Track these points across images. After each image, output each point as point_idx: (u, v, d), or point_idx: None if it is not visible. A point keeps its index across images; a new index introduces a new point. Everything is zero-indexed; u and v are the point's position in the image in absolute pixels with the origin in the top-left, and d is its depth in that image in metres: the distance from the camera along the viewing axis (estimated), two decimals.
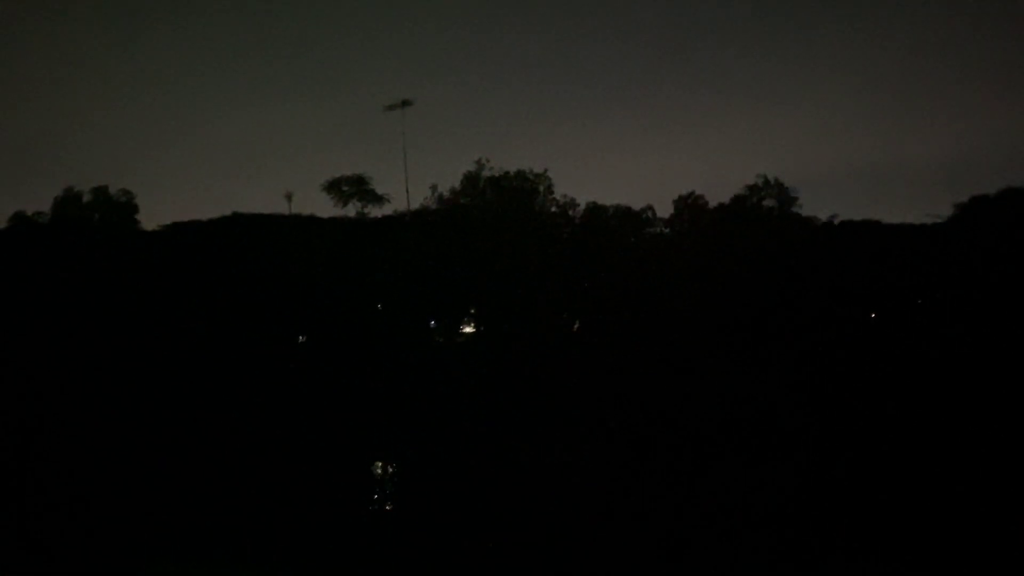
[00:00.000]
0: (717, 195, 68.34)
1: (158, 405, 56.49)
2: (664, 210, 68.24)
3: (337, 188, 70.25)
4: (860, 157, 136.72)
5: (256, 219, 67.11)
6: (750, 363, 55.40)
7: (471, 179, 69.46)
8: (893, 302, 59.17)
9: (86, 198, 69.24)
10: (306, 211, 70.28)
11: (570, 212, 68.95)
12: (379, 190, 70.80)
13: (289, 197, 72.08)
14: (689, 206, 68.03)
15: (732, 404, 52.88)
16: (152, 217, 69.95)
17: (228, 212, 67.91)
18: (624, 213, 67.83)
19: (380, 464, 61.01)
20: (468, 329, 67.57)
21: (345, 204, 70.46)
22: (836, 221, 65.86)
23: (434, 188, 69.83)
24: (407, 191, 77.34)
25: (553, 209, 69.27)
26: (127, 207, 69.60)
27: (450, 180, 69.90)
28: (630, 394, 55.25)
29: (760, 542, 32.80)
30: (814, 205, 66.88)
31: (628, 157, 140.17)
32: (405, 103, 74.24)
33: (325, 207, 70.92)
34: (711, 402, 53.05)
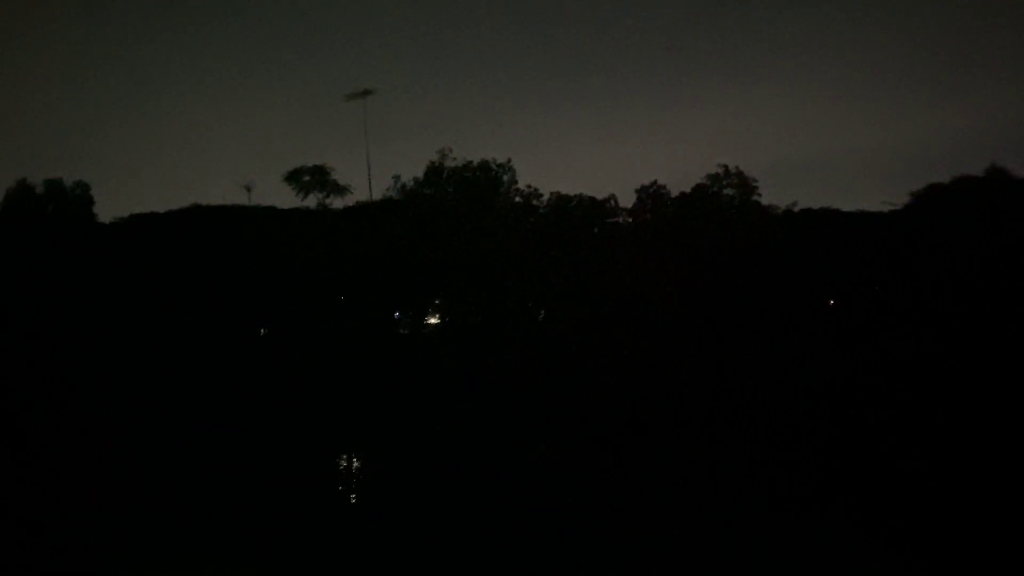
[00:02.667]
0: (678, 184, 69.01)
1: (115, 402, 55.40)
2: (627, 200, 68.77)
3: (298, 178, 69.53)
4: (818, 146, 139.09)
5: (215, 211, 66.13)
6: (712, 350, 56.05)
7: (434, 169, 69.13)
8: (851, 288, 60.26)
9: (39, 190, 67.60)
10: (266, 202, 69.59)
11: (534, 202, 69.00)
12: (341, 180, 70.32)
13: (249, 188, 71.31)
14: (651, 196, 68.53)
15: (695, 390, 53.46)
16: (108, 209, 68.64)
17: (187, 204, 67.01)
18: (588, 203, 68.08)
19: (345, 457, 60.63)
20: (433, 320, 67.40)
21: (306, 195, 69.82)
22: (796, 209, 66.92)
23: (397, 178, 69.46)
24: (369, 181, 76.82)
25: (517, 199, 69.27)
26: (82, 199, 68.09)
27: (413, 170, 69.52)
28: (595, 383, 55.56)
29: (729, 524, 33.35)
30: (774, 194, 67.75)
31: (591, 147, 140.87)
32: (366, 92, 73.80)
33: (286, 198, 70.19)
34: (675, 388, 53.57)
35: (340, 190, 70.06)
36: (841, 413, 50.51)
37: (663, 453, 46.71)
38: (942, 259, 57.27)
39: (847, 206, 66.42)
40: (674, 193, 68.14)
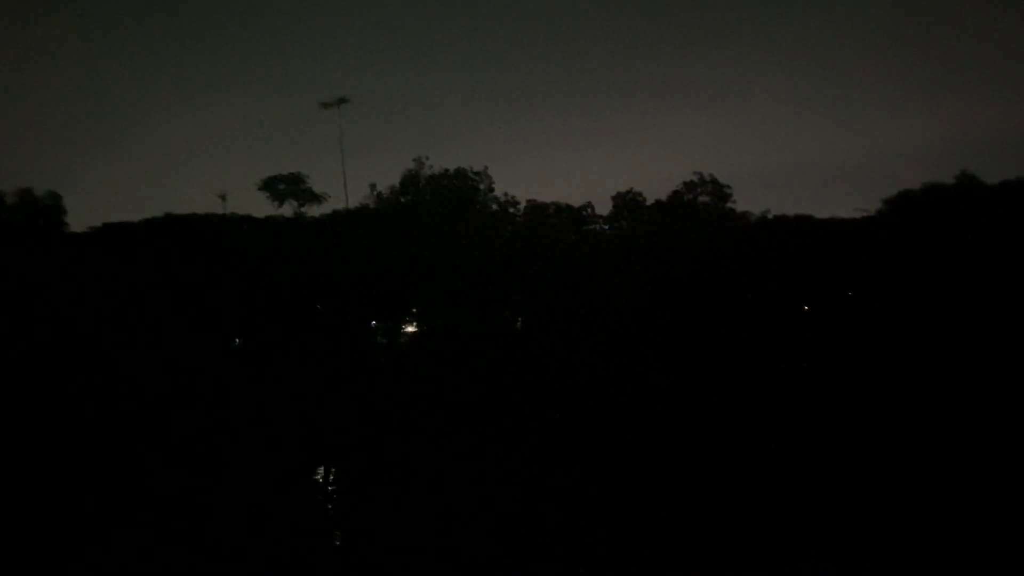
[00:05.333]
0: (654, 192, 70.10)
1: (85, 411, 54.57)
2: (603, 207, 69.33)
3: (273, 187, 69.36)
4: (792, 155, 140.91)
5: (189, 220, 65.77)
6: (688, 354, 56.31)
7: (411, 177, 69.23)
8: (825, 293, 60.86)
9: (10, 200, 66.98)
10: (241, 211, 69.46)
11: (511, 210, 69.35)
12: (316, 189, 70.36)
13: (223, 197, 70.96)
14: (628, 203, 69.15)
15: (672, 393, 53.66)
16: (81, 219, 68.23)
17: (160, 213, 66.69)
18: (564, 210, 68.56)
19: (322, 468, 60.11)
20: (410, 328, 67.21)
21: (282, 203, 69.74)
22: (769, 216, 67.84)
23: (373, 187, 69.56)
24: (345, 190, 76.89)
25: (494, 207, 69.54)
26: (54, 209, 67.56)
27: (389, 179, 69.98)
28: (573, 388, 55.57)
29: (706, 525, 33.53)
30: (748, 201, 68.86)
31: (567, 155, 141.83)
32: (342, 101, 73.74)
33: (261, 206, 70.29)
34: (651, 393, 53.75)
35: (316, 198, 70.01)
36: (815, 414, 50.90)
37: (641, 456, 46.78)
38: (914, 264, 58.06)
39: (820, 213, 67.67)
40: (650, 200, 69.00)
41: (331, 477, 57.83)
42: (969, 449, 41.41)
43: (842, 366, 55.08)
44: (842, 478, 40.25)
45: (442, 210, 67.99)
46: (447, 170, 68.99)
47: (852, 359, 55.44)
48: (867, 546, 29.79)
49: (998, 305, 55.33)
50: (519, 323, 65.99)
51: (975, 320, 54.82)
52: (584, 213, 68.57)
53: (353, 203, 69.95)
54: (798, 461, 43.20)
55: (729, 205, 67.97)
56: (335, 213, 69.10)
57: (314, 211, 69.69)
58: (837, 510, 34.70)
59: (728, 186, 68.21)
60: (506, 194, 69.18)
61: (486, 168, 69.42)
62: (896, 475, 38.86)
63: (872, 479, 38.59)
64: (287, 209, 69.50)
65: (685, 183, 68.41)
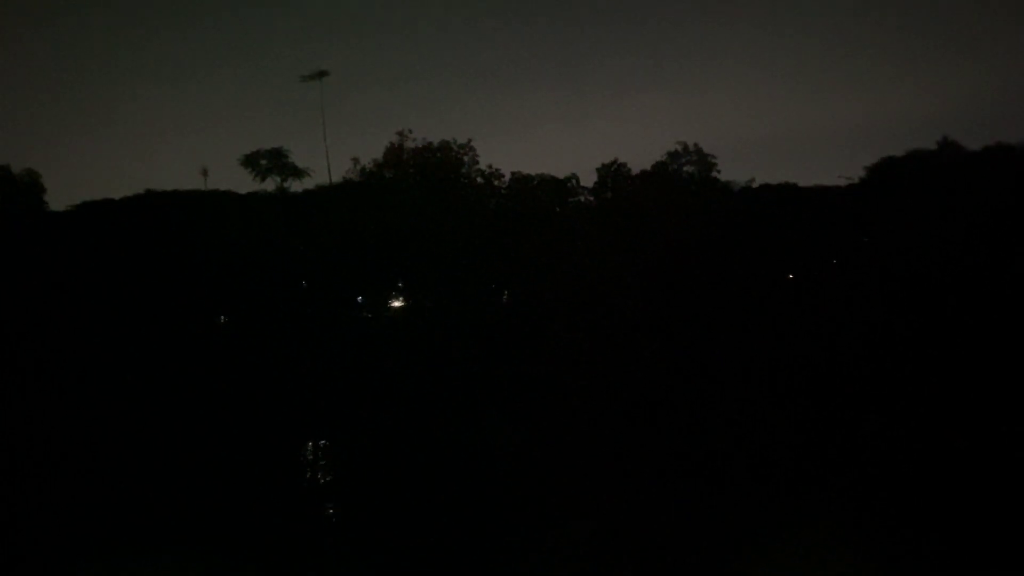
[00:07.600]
0: (639, 163, 69.71)
1: (68, 391, 54.24)
2: (588, 178, 69.07)
3: (255, 162, 68.66)
4: (776, 124, 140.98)
5: (170, 196, 64.92)
6: (675, 324, 56.52)
7: (394, 151, 68.70)
8: (809, 261, 61.14)
9: None
10: (223, 186, 68.58)
11: (495, 182, 68.92)
12: (299, 163, 69.73)
13: (205, 173, 70.27)
14: (612, 174, 68.87)
15: (658, 365, 53.91)
16: (60, 198, 67.31)
17: (141, 190, 65.80)
18: (549, 182, 68.18)
19: (311, 444, 60.15)
20: (396, 303, 67.04)
21: (264, 178, 69.10)
22: (754, 184, 67.78)
23: (356, 160, 69.04)
24: (328, 164, 76.14)
25: (478, 180, 69.10)
26: (32, 187, 66.49)
27: (372, 152, 69.37)
28: (560, 361, 55.73)
29: (695, 500, 33.75)
30: (732, 170, 68.75)
31: (551, 127, 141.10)
32: (322, 74, 73.04)
33: (243, 182, 69.51)
34: (639, 364, 53.98)
35: (298, 173, 69.45)
36: (800, 381, 51.34)
37: (627, 427, 47.10)
38: (897, 230, 58.38)
39: (804, 181, 67.62)
40: (635, 171, 68.68)
41: (320, 450, 57.84)
42: (954, 419, 41.90)
43: (826, 333, 55.50)
44: (827, 446, 40.57)
45: (426, 183, 67.53)
46: (431, 143, 68.51)
47: (836, 326, 55.86)
48: (850, 513, 30.15)
49: (981, 269, 55.80)
50: (506, 296, 65.95)
51: (959, 284, 55.28)
52: (569, 184, 68.28)
53: (336, 177, 69.49)
54: (783, 429, 43.54)
55: (714, 175, 67.94)
56: (318, 188, 68.55)
57: (297, 186, 69.22)
58: (822, 478, 35.04)
59: (713, 156, 68.19)
60: (490, 166, 68.83)
61: (470, 141, 68.95)
62: (881, 445, 39.32)
63: (856, 448, 38.93)
64: (269, 184, 69.00)
65: (670, 153, 68.32)
